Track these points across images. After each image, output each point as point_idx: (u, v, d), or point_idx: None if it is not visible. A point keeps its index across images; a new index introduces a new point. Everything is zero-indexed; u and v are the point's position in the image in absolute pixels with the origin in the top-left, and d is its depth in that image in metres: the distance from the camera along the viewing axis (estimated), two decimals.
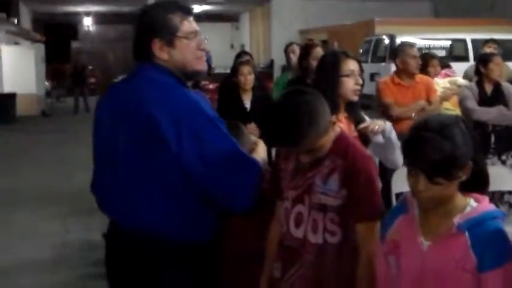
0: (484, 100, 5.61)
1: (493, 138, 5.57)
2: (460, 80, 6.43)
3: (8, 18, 19.20)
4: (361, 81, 3.17)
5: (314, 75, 3.53)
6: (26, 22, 23.63)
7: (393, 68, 5.86)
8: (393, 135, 3.25)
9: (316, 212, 2.34)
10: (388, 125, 3.25)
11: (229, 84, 5.79)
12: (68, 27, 31.52)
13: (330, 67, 3.17)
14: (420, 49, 7.94)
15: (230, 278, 2.62)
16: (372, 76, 14.13)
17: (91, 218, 6.36)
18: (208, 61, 4.31)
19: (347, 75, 3.14)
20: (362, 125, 3.16)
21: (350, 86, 3.14)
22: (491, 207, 1.97)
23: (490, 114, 5.54)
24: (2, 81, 18.92)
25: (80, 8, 27.69)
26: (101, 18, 30.25)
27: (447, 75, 6.56)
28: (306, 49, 5.57)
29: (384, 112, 5.47)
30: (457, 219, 1.90)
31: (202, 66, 2.43)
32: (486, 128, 5.52)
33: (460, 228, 1.89)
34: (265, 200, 2.44)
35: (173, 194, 2.27)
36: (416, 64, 5.48)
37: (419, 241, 1.98)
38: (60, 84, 26.01)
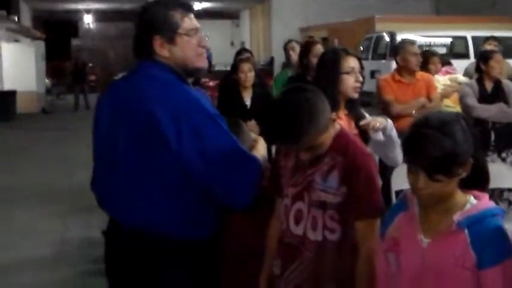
0: (484, 97, 5.61)
1: (493, 136, 5.57)
2: (461, 77, 6.43)
3: (8, 15, 19.18)
4: (361, 79, 3.17)
5: (314, 72, 3.52)
6: (26, 19, 23.63)
7: (393, 65, 5.86)
8: (394, 132, 3.25)
9: (316, 209, 2.34)
10: (389, 122, 3.25)
11: (229, 81, 5.79)
12: (69, 24, 31.51)
13: (330, 64, 3.17)
14: (421, 46, 7.95)
15: (230, 276, 2.62)
16: (372, 73, 14.12)
17: (91, 216, 6.36)
18: (209, 58, 4.30)
19: (347, 73, 3.14)
20: (363, 122, 3.16)
21: (350, 83, 3.14)
22: (491, 204, 1.97)
23: (490, 111, 5.54)
24: (2, 78, 18.93)
25: (81, 6, 27.70)
26: (101, 16, 30.25)
27: (448, 73, 6.55)
28: (306, 46, 5.57)
29: (384, 109, 5.46)
30: (456, 217, 1.90)
31: (203, 63, 2.43)
32: (486, 125, 5.52)
33: (460, 226, 1.89)
34: (265, 197, 2.44)
35: (173, 192, 2.27)
36: (417, 61, 5.47)
37: (419, 238, 1.98)
38: (61, 82, 26.01)
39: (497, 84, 5.68)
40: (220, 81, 6.60)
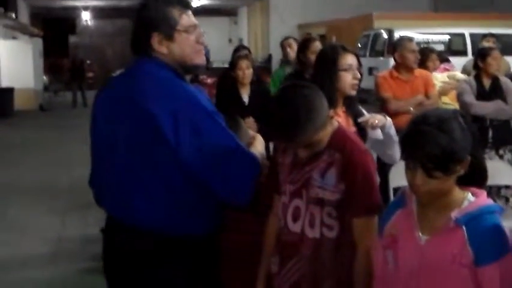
0: (482, 94, 5.61)
1: (490, 133, 5.57)
2: (459, 75, 6.43)
3: (5, 12, 19.15)
4: (359, 76, 3.17)
5: (312, 69, 3.52)
6: (24, 16, 23.57)
7: (391, 62, 5.85)
8: (392, 130, 3.25)
9: (314, 206, 2.34)
10: (388, 120, 3.24)
11: (227, 78, 5.79)
12: (66, 21, 31.42)
13: (328, 61, 3.17)
14: (418, 43, 7.94)
15: (227, 273, 2.61)
16: (370, 70, 14.13)
17: (89, 213, 6.35)
18: (207, 55, 4.29)
19: (345, 70, 3.13)
20: (361, 119, 3.16)
21: (348, 80, 3.14)
22: (489, 201, 1.97)
23: (487, 108, 5.55)
24: None
25: (78, 3, 27.63)
26: (99, 13, 30.17)
27: (446, 70, 6.56)
28: (304, 43, 5.58)
29: (382, 106, 5.47)
30: (454, 214, 1.90)
31: (201, 60, 2.43)
32: (484, 123, 5.52)
33: (458, 223, 1.89)
34: (263, 194, 2.44)
35: (171, 188, 2.26)
36: (415, 58, 5.47)
37: (417, 235, 1.98)
38: (58, 79, 25.96)
39: (495, 81, 5.68)
40: (218, 79, 6.59)
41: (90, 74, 24.91)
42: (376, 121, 3.14)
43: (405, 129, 1.95)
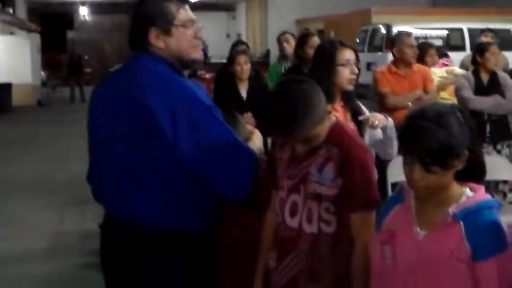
0: (480, 89, 5.61)
1: (488, 128, 5.58)
2: (457, 70, 6.43)
3: (3, 7, 19.10)
4: (357, 71, 3.16)
5: (310, 64, 3.52)
6: (22, 12, 23.50)
7: (390, 57, 5.85)
8: (393, 132, 3.24)
9: (311, 201, 2.34)
10: (389, 121, 3.24)
11: (225, 73, 5.78)
12: (64, 17, 31.37)
13: (326, 56, 3.17)
14: (417, 39, 7.93)
15: (225, 268, 2.61)
16: (369, 65, 14.12)
17: (87, 208, 6.35)
18: (204, 50, 4.27)
19: (343, 65, 3.13)
20: (362, 117, 3.16)
21: (346, 75, 3.14)
22: (487, 197, 1.97)
23: (485, 103, 5.54)
24: None
25: None
26: (96, 8, 30.10)
27: (444, 65, 6.55)
28: (303, 38, 5.57)
29: (380, 101, 5.47)
30: (452, 209, 1.90)
31: (199, 55, 2.42)
32: (482, 117, 5.52)
33: (455, 218, 1.89)
34: (261, 189, 2.43)
35: (170, 184, 2.26)
36: (413, 53, 5.47)
37: (415, 231, 1.98)
38: (56, 74, 25.93)
39: (493, 76, 5.68)
40: (216, 74, 6.59)
41: (88, 70, 24.88)
42: (376, 122, 3.14)
43: (403, 124, 1.94)
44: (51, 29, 29.42)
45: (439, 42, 13.79)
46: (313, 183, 2.33)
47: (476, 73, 5.70)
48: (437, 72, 6.11)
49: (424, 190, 1.93)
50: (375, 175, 2.43)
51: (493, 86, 5.63)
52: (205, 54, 8.03)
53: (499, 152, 5.61)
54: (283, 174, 2.42)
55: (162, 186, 2.26)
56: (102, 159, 2.41)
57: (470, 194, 1.95)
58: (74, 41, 31.21)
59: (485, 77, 5.67)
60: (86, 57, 26.31)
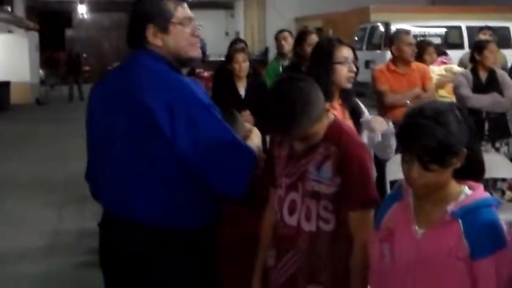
0: (479, 87, 5.61)
1: (486, 126, 5.57)
2: (456, 68, 6.43)
3: (1, 6, 19.08)
4: (354, 69, 3.16)
5: (309, 62, 3.52)
6: (20, 10, 23.44)
7: (388, 55, 5.85)
8: (393, 138, 3.25)
9: (310, 199, 2.34)
10: (390, 126, 3.25)
11: (223, 71, 5.78)
12: (62, 15, 31.31)
13: (324, 54, 3.17)
14: (415, 37, 7.93)
15: (224, 266, 2.61)
16: (367, 63, 14.13)
17: (86, 206, 6.35)
18: (203, 48, 4.26)
19: (341, 63, 3.13)
20: (363, 119, 3.17)
21: (344, 73, 3.14)
22: (486, 195, 1.97)
23: (484, 101, 5.54)
24: None
25: None
26: (95, 6, 30.03)
27: (443, 63, 6.55)
28: (301, 36, 5.57)
29: (378, 99, 5.47)
30: (451, 207, 1.90)
31: (197, 53, 2.42)
32: (480, 115, 5.52)
33: (454, 216, 1.89)
34: (259, 187, 2.43)
35: (168, 182, 2.26)
36: (412, 51, 5.46)
37: (413, 229, 1.98)
38: (55, 73, 25.89)
39: (492, 74, 5.68)
40: (214, 72, 6.58)
41: (87, 68, 24.87)
42: (376, 126, 3.15)
43: (401, 122, 1.94)
44: (50, 27, 29.37)
45: (437, 40, 13.78)
46: (312, 181, 2.33)
47: (474, 71, 5.70)
48: (435, 70, 6.11)
49: (423, 188, 1.93)
50: (374, 173, 2.43)
51: (491, 84, 5.63)
52: (204, 53, 8.02)
53: (497, 150, 5.61)
54: (281, 172, 2.42)
55: (160, 184, 2.26)
56: (100, 157, 2.41)
57: (468, 192, 1.95)
58: (73, 39, 31.16)
59: (483, 75, 5.67)
60: (85, 55, 26.28)
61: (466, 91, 5.57)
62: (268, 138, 2.83)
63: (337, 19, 19.95)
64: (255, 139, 2.65)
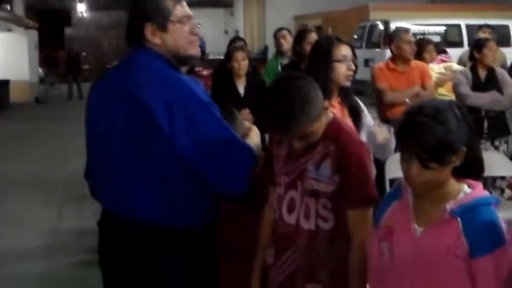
0: (478, 85, 5.61)
1: (486, 124, 5.57)
2: (455, 66, 6.42)
3: (0, 4, 19.07)
4: (353, 67, 3.16)
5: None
6: (19, 8, 23.44)
7: (387, 53, 5.84)
8: (392, 148, 3.28)
9: (309, 197, 2.33)
10: (391, 134, 3.27)
11: (223, 70, 5.78)
12: (62, 13, 31.31)
13: (323, 52, 3.17)
14: (414, 35, 7.93)
15: (223, 264, 2.61)
16: (366, 62, 14.13)
17: (85, 205, 6.35)
18: (202, 47, 4.26)
19: (339, 61, 3.13)
20: (366, 125, 3.20)
21: (342, 71, 3.14)
22: (485, 193, 1.97)
23: (483, 99, 5.54)
24: None
25: None
26: (94, 5, 30.03)
27: (443, 61, 6.54)
28: (301, 34, 5.57)
29: (378, 98, 5.46)
30: (449, 205, 1.90)
31: (195, 51, 2.42)
32: (479, 113, 5.52)
33: (453, 214, 1.89)
34: (258, 186, 2.43)
35: (168, 180, 2.26)
36: (411, 50, 5.46)
37: (412, 227, 1.98)
38: (54, 71, 25.91)
39: (491, 72, 5.68)
40: (214, 70, 6.58)
41: (86, 66, 24.90)
42: (378, 135, 3.18)
43: (401, 120, 1.94)
44: (49, 25, 29.36)
45: (436, 39, 13.78)
46: (311, 179, 2.33)
47: (473, 69, 5.70)
48: (435, 69, 6.11)
49: (422, 186, 1.93)
50: (373, 171, 2.42)
51: (490, 82, 5.63)
52: (203, 51, 8.00)
53: (496, 148, 5.61)
54: (280, 171, 2.42)
55: (159, 182, 2.26)
56: (99, 156, 2.40)
57: (468, 191, 1.95)
58: (72, 38, 31.16)
59: (482, 73, 5.67)
60: (84, 54, 26.29)
61: (465, 89, 5.57)
62: (267, 136, 2.83)
63: (337, 17, 19.95)
64: (254, 137, 2.65)
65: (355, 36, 16.55)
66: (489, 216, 1.88)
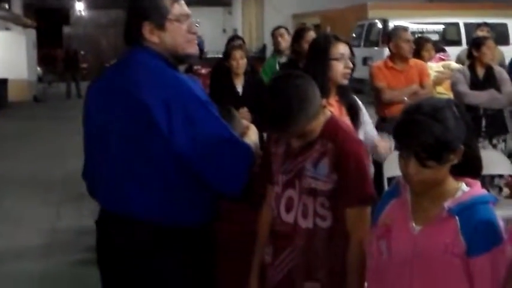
0: (476, 84, 5.61)
1: (484, 122, 5.58)
2: (454, 64, 6.43)
3: None
4: (351, 65, 3.16)
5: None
6: (17, 7, 23.41)
7: (386, 52, 5.84)
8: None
9: (307, 196, 2.33)
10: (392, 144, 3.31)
11: (221, 68, 5.77)
12: (60, 12, 31.27)
13: (320, 51, 3.17)
14: (413, 33, 7.94)
15: (221, 263, 2.61)
16: (365, 60, 14.14)
17: (83, 204, 6.34)
18: (200, 45, 4.25)
19: (337, 59, 3.13)
20: (368, 138, 3.25)
21: (340, 69, 3.14)
22: (483, 191, 1.97)
23: (481, 97, 5.54)
24: None
25: None
26: (92, 3, 30.00)
27: (441, 59, 6.55)
28: (299, 33, 5.56)
29: (376, 96, 5.47)
30: (447, 203, 1.90)
31: (194, 50, 2.42)
32: (477, 112, 5.52)
33: (451, 212, 1.89)
34: (256, 184, 2.43)
35: (165, 179, 2.25)
36: (410, 48, 5.46)
37: (411, 226, 1.98)
38: (52, 70, 25.88)
39: (489, 70, 5.68)
40: (212, 69, 6.57)
41: (84, 65, 24.87)
42: (382, 151, 3.22)
43: (399, 118, 1.94)
44: (47, 24, 29.31)
45: (435, 37, 13.81)
46: (308, 178, 2.32)
47: (472, 67, 5.70)
48: (433, 67, 6.11)
49: (420, 185, 1.93)
50: (371, 169, 2.43)
51: (488, 81, 5.63)
52: (201, 50, 8.01)
53: (494, 146, 5.61)
54: (278, 169, 2.42)
55: (157, 181, 2.26)
56: (97, 155, 2.40)
57: (466, 189, 1.95)
58: (70, 37, 31.13)
59: (481, 72, 5.67)
60: (82, 52, 26.26)
61: (464, 88, 5.57)
62: (265, 135, 2.83)
63: (335, 16, 19.96)
64: (252, 136, 2.65)
65: (354, 35, 16.56)
66: (487, 214, 1.88)
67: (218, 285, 2.55)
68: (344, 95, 3.22)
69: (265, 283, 2.49)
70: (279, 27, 6.77)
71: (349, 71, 3.16)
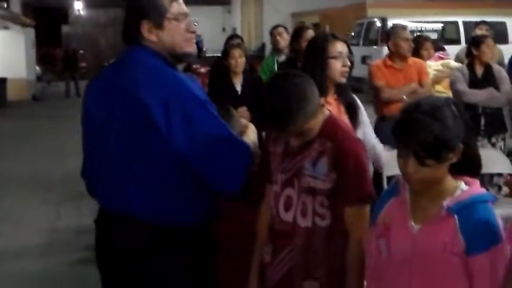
0: (475, 82, 5.61)
1: (483, 121, 5.58)
2: (453, 63, 6.43)
3: None
4: (349, 63, 3.16)
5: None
6: (16, 6, 23.38)
7: (385, 51, 5.84)
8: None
9: (306, 195, 2.33)
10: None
11: (220, 67, 5.77)
12: (59, 11, 31.22)
13: (318, 49, 3.17)
14: (412, 32, 7.95)
15: (220, 262, 2.61)
16: (364, 59, 14.14)
17: (83, 203, 6.34)
18: (199, 44, 4.24)
19: (334, 57, 3.13)
20: (372, 153, 3.30)
21: (338, 67, 3.14)
22: (482, 190, 1.97)
23: (480, 96, 5.55)
24: None
25: None
26: (91, 2, 29.95)
27: (440, 58, 6.55)
28: (298, 32, 5.56)
29: (375, 95, 5.47)
30: (446, 202, 1.90)
31: (192, 48, 2.41)
32: (476, 110, 5.53)
33: (449, 211, 1.89)
34: (255, 183, 2.43)
35: (164, 178, 2.25)
36: (409, 47, 5.46)
37: (410, 224, 1.98)
38: (51, 69, 25.84)
39: (488, 69, 5.68)
40: (210, 68, 6.57)
41: (83, 64, 24.82)
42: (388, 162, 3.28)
43: (398, 117, 1.94)
44: (46, 23, 29.28)
45: (434, 36, 13.82)
46: (307, 177, 2.32)
47: (470, 66, 5.70)
48: (432, 66, 6.11)
49: (419, 183, 1.93)
50: (370, 168, 2.43)
51: (487, 79, 5.64)
52: (200, 48, 8.01)
53: (493, 145, 5.62)
54: (277, 168, 2.42)
55: (156, 180, 2.25)
56: (96, 154, 2.40)
57: (465, 188, 1.95)
58: (69, 36, 31.09)
59: (479, 70, 5.67)
60: (81, 51, 26.22)
61: (462, 86, 5.57)
62: (264, 134, 2.83)
63: (334, 15, 19.96)
64: (251, 135, 2.65)
65: (353, 34, 16.56)
66: (486, 213, 1.88)
67: (218, 285, 2.55)
68: (343, 93, 3.22)
69: (264, 282, 2.49)
70: (277, 26, 6.77)
71: (347, 69, 3.16)
